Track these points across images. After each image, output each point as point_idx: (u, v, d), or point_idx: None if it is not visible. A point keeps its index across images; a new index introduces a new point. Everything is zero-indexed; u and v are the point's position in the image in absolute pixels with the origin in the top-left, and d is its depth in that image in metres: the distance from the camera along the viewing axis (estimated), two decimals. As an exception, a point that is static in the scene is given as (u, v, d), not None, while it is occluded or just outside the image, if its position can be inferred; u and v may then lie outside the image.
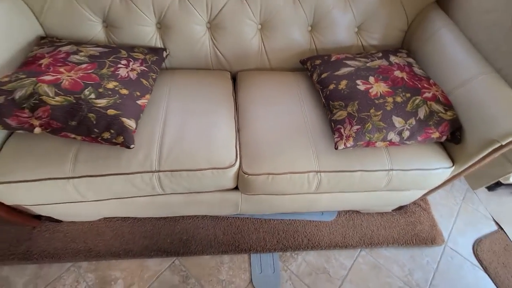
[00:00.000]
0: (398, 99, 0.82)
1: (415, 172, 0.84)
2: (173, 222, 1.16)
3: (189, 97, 0.94)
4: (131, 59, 0.88)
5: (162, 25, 0.98)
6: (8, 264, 1.05)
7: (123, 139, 0.72)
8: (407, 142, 0.81)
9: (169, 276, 1.07)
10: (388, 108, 0.80)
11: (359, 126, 0.77)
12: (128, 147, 0.73)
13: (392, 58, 0.95)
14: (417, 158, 0.85)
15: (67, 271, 1.06)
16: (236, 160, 0.82)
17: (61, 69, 0.77)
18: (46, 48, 0.85)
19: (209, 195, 0.91)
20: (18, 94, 0.69)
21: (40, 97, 0.69)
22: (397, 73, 0.89)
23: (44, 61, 0.79)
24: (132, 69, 0.85)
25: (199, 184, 0.82)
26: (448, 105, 0.84)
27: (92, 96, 0.73)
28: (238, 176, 0.84)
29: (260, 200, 0.95)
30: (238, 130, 0.91)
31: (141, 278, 1.06)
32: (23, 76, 0.73)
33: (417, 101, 0.82)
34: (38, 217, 1.11)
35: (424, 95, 0.84)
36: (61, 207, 0.89)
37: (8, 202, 0.80)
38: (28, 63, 0.80)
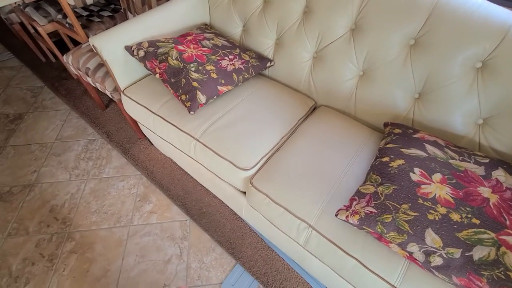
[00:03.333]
0: (455, 216, 0.61)
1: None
2: (205, 193, 1.35)
3: (262, 104, 1.06)
4: (237, 57, 1.09)
5: (279, 42, 1.14)
6: (118, 150, 1.57)
7: (190, 105, 0.94)
8: (435, 273, 0.60)
9: (177, 228, 1.27)
10: (430, 217, 0.62)
11: (375, 211, 0.65)
12: (189, 112, 0.94)
13: (498, 173, 0.69)
14: (441, 302, 0.61)
15: (134, 175, 1.47)
16: (251, 169, 0.88)
17: (191, 46, 1.07)
18: (198, 31, 1.20)
19: (225, 185, 1.02)
20: (160, 50, 1.04)
21: (168, 56, 1.02)
22: (483, 190, 0.65)
23: (188, 38, 1.12)
24: (232, 64, 1.06)
25: (217, 169, 0.94)
26: (539, 274, 0.54)
27: (193, 69, 0.99)
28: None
29: (259, 220, 0.96)
30: (277, 149, 0.95)
31: (162, 213, 1.32)
32: (171, 41, 1.08)
33: (484, 236, 0.59)
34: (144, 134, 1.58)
35: (503, 237, 0.58)
36: (147, 131, 1.25)
37: (129, 112, 1.22)
38: (182, 35, 1.16)
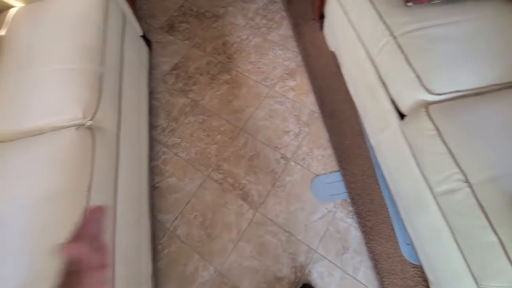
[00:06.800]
0: None
1: None
2: (345, 101, 1.32)
3: (493, 34, 0.82)
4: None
5: None
6: (290, 21, 1.61)
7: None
8: None
9: (305, 113, 1.35)
10: None
11: None
12: (406, 3, 0.82)
13: None
14: None
15: (293, 51, 1.53)
16: (437, 95, 0.77)
17: None
18: None
19: (385, 98, 0.95)
20: None
21: None
22: None
23: None
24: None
25: (394, 77, 0.86)
26: None
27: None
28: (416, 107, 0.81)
29: (394, 147, 0.90)
30: (478, 93, 0.78)
31: (299, 94, 1.40)
32: None
33: None
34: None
35: None
36: (334, 10, 1.19)
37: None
38: None
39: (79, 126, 0.85)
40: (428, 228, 0.82)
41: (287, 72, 1.47)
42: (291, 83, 1.44)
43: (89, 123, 0.87)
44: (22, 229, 0.69)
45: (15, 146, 0.82)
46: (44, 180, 0.74)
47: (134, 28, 1.39)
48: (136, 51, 1.34)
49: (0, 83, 0.90)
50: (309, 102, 1.38)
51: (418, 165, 0.80)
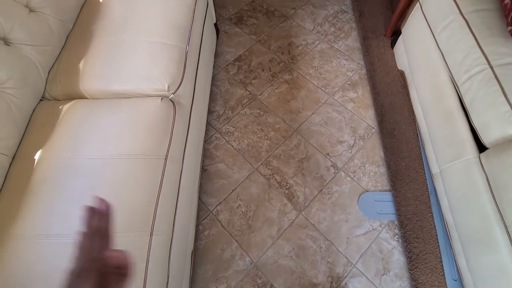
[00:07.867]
0: None
1: None
2: (407, 121, 1.29)
3: None
4: None
5: None
6: (359, 33, 1.60)
7: (526, 26, 0.77)
8: None
9: (362, 127, 1.34)
10: None
11: None
12: (517, 33, 0.79)
13: None
14: None
15: (358, 63, 1.52)
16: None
17: None
18: None
19: (464, 126, 0.92)
20: None
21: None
22: None
23: None
24: None
25: (482, 107, 0.82)
26: None
27: None
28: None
29: (466, 180, 0.87)
30: None
31: (358, 107, 1.39)
32: None
33: None
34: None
35: None
36: (416, 30, 1.17)
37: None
38: None
39: (163, 97, 0.90)
40: (493, 266, 0.78)
41: (349, 83, 1.47)
42: (352, 95, 1.43)
43: (171, 96, 0.92)
44: (103, 182, 0.74)
45: (104, 104, 0.88)
46: (128, 141, 0.79)
47: (212, 15, 1.45)
48: (209, 37, 1.39)
49: (96, 45, 0.97)
50: (368, 117, 1.36)
51: (495, 200, 0.77)
